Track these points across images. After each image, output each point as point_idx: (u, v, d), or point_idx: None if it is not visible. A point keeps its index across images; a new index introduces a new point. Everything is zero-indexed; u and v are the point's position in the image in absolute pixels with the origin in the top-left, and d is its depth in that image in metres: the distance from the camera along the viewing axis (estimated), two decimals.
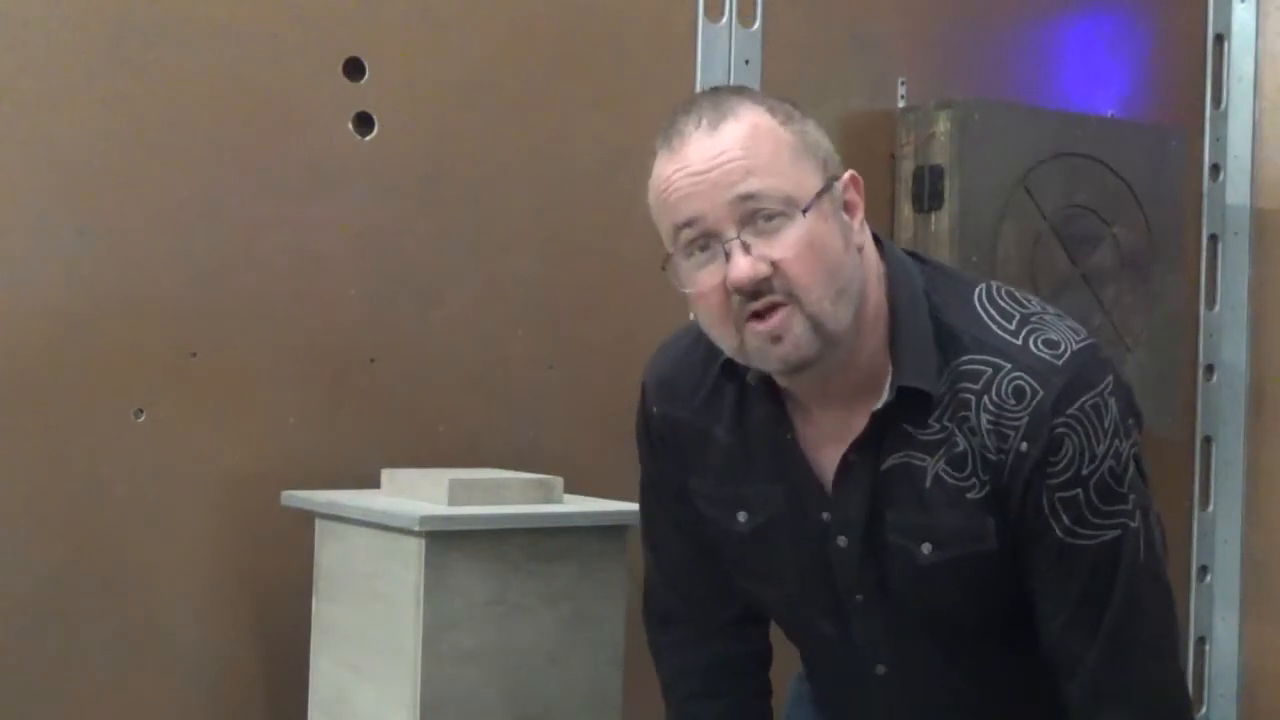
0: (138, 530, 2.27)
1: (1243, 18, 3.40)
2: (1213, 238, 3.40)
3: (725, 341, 1.56)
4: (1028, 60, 3.16)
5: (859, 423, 1.58)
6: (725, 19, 2.73)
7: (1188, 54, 3.38)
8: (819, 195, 1.51)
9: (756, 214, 1.49)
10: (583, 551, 2.13)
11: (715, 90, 1.59)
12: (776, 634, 1.83)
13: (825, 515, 1.63)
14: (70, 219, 2.23)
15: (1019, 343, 1.56)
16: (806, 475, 1.64)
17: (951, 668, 1.67)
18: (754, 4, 2.77)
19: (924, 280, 1.60)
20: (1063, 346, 1.55)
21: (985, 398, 1.54)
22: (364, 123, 2.44)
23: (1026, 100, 3.07)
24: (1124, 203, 3.05)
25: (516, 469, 2.36)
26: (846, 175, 1.56)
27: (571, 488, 2.25)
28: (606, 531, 2.16)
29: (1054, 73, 3.19)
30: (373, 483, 2.28)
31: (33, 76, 2.20)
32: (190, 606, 2.31)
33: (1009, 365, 1.54)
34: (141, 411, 2.27)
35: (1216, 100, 3.41)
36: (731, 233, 1.50)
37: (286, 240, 2.38)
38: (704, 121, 1.51)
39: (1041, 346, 1.55)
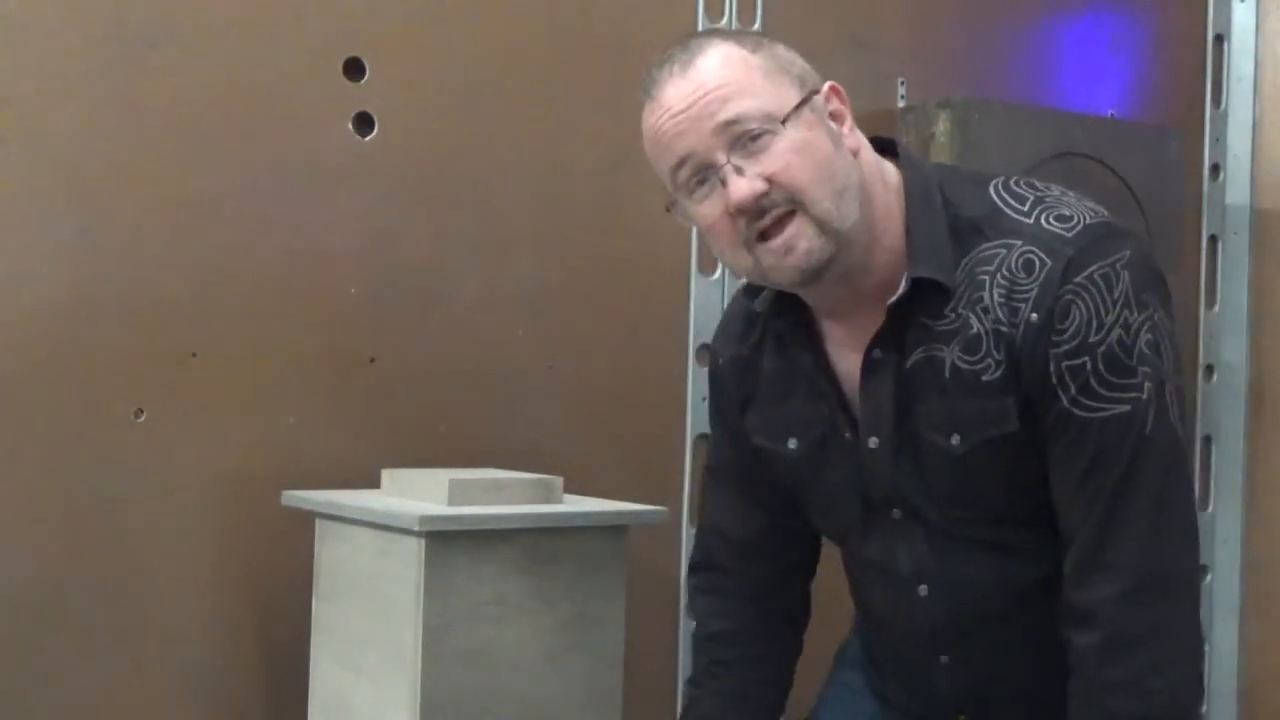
0: (138, 530, 2.27)
1: (1243, 18, 3.40)
2: (1213, 238, 3.40)
3: (741, 265, 1.60)
4: (1028, 60, 3.16)
5: (881, 323, 1.62)
6: (725, 19, 2.73)
7: (1188, 54, 3.38)
8: (798, 107, 1.56)
9: (741, 136, 1.55)
10: (583, 551, 2.13)
11: (683, 37, 1.65)
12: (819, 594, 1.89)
13: (848, 433, 1.67)
14: (71, 219, 2.23)
15: (1030, 221, 1.59)
16: (834, 391, 1.68)
17: (991, 584, 1.66)
18: (754, 4, 2.77)
19: (939, 178, 1.64)
20: (1075, 220, 1.58)
21: (998, 275, 1.57)
22: (364, 123, 2.44)
23: (1026, 100, 3.07)
24: (1124, 203, 3.05)
25: (516, 469, 2.36)
26: (826, 86, 1.62)
27: (571, 488, 2.25)
28: (606, 531, 2.16)
29: (1054, 73, 3.19)
30: (373, 483, 2.28)
31: (33, 76, 2.20)
32: (190, 606, 2.31)
33: (1021, 242, 1.57)
34: (141, 411, 2.27)
35: (1216, 100, 3.41)
36: (722, 159, 1.55)
37: (286, 240, 2.38)
38: (676, 65, 1.58)
39: (1053, 221, 1.58)
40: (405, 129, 2.47)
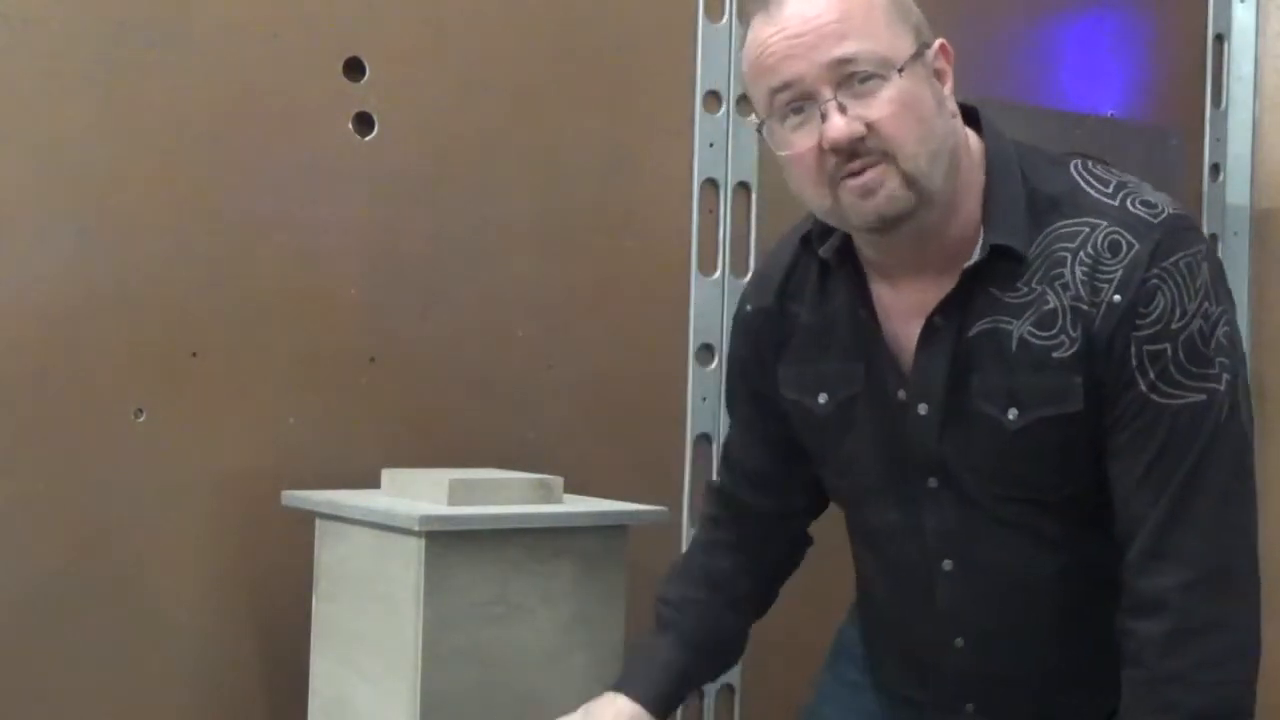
0: (138, 530, 2.27)
1: (1243, 18, 3.40)
2: (1213, 238, 3.40)
3: (818, 202, 1.59)
4: (1028, 60, 3.16)
5: (947, 289, 1.61)
6: (725, 19, 2.73)
7: (1188, 54, 3.38)
8: (912, 58, 1.55)
9: (852, 76, 1.53)
10: (583, 551, 2.13)
11: None
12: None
13: (901, 393, 1.64)
14: (70, 219, 2.23)
15: (1116, 203, 1.59)
16: (884, 352, 1.66)
17: (1019, 566, 1.65)
18: None
19: (1017, 152, 1.64)
20: (1160, 207, 1.59)
21: (1081, 253, 1.57)
22: (364, 123, 2.44)
23: (1026, 100, 3.07)
24: None
25: (516, 469, 2.36)
26: (937, 43, 1.60)
27: (571, 488, 2.25)
28: (606, 531, 2.16)
29: (1054, 73, 3.19)
30: (373, 483, 2.28)
31: (33, 76, 2.20)
32: (190, 606, 2.31)
33: (1105, 222, 1.58)
34: (141, 411, 2.27)
35: (1216, 100, 3.41)
36: (828, 94, 1.53)
37: (286, 240, 2.38)
38: None
39: (1139, 206, 1.59)
40: (405, 129, 2.47)
